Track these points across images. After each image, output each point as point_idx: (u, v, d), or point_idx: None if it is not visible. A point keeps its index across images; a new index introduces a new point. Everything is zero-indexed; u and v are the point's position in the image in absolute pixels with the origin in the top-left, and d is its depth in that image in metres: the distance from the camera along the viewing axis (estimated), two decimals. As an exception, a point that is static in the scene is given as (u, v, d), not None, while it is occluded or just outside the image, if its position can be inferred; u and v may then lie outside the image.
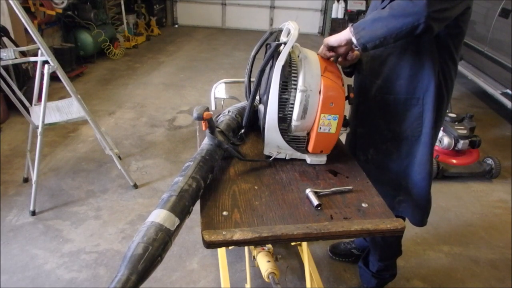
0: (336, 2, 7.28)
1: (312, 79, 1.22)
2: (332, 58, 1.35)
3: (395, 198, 1.59)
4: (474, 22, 4.36)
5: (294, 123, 1.27)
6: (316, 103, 1.23)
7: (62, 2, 4.46)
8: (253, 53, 1.32)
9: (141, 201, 2.62)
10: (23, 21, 2.14)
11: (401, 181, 1.55)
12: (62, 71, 2.36)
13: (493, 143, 3.66)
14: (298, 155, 1.37)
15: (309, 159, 1.37)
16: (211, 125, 1.24)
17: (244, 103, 1.59)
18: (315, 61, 1.27)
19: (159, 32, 7.11)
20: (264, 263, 1.46)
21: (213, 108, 2.25)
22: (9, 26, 3.67)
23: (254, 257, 1.55)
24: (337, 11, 7.32)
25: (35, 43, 2.24)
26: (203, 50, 6.29)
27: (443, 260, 2.27)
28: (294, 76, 1.24)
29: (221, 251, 1.86)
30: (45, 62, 2.27)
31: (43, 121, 2.31)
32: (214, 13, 7.84)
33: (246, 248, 1.78)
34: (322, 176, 1.31)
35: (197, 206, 1.11)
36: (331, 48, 1.32)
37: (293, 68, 1.25)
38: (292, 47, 1.23)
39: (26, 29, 2.42)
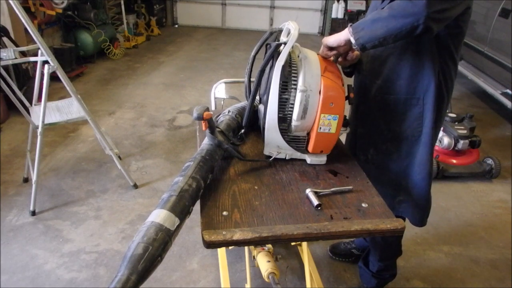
0: (336, 2, 7.29)
1: (312, 79, 1.22)
2: (332, 58, 1.36)
3: (395, 198, 1.59)
4: (474, 22, 4.36)
5: (294, 123, 1.27)
6: (316, 103, 1.23)
7: (62, 2, 4.47)
8: (253, 53, 1.33)
9: (141, 201, 2.62)
10: (23, 21, 2.14)
11: (401, 181, 1.55)
12: (62, 71, 2.36)
13: (493, 143, 3.66)
14: (298, 155, 1.37)
15: (309, 159, 1.37)
16: (211, 125, 1.24)
17: (244, 103, 1.59)
18: (315, 61, 1.27)
19: (159, 32, 7.12)
20: (264, 263, 1.46)
21: (213, 108, 2.25)
22: (9, 26, 3.67)
23: (254, 257, 1.55)
24: (337, 11, 7.32)
25: (35, 43, 2.24)
26: (203, 50, 6.29)
27: (443, 260, 2.27)
28: (294, 76, 1.24)
29: (221, 251, 1.86)
30: (45, 62, 2.27)
31: (43, 121, 2.31)
32: (214, 13, 7.84)
33: (246, 248, 1.77)
34: (322, 176, 1.31)
35: (197, 206, 1.11)
36: (330, 48, 1.32)
37: (293, 68, 1.25)
38: (292, 47, 1.23)
39: (26, 29, 2.42)
